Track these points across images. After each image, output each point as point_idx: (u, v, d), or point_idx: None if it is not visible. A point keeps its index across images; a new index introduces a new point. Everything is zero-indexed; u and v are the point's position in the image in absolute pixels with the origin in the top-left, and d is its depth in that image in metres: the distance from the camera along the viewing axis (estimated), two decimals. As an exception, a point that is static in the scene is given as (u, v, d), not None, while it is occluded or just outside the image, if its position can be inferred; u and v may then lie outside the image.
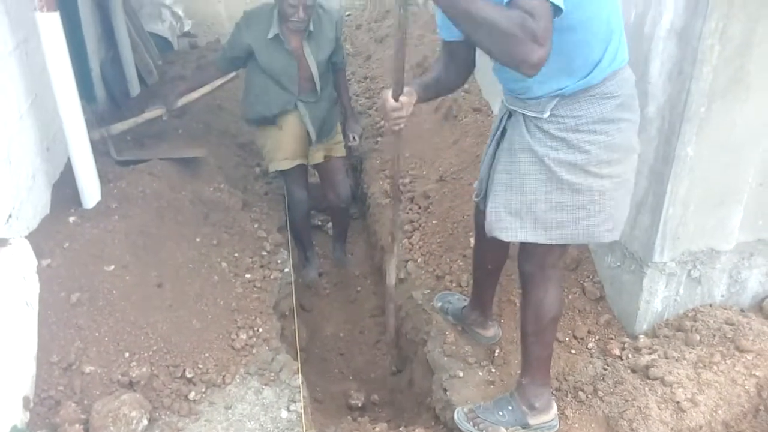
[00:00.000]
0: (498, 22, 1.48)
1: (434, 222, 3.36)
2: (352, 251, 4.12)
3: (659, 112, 2.24)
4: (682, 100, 2.11)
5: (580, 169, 1.87)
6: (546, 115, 1.87)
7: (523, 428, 2.20)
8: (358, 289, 3.78)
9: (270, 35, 3.04)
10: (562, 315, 2.63)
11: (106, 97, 4.47)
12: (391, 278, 2.77)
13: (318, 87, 3.20)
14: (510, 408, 2.22)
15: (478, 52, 1.93)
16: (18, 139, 2.52)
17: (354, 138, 3.58)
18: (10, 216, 2.32)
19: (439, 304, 2.82)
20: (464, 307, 2.69)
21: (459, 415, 2.28)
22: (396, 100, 2.05)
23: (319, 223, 4.35)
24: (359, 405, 2.84)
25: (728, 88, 2.09)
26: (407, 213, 3.51)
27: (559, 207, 1.92)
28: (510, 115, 2.03)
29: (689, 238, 2.34)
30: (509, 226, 1.97)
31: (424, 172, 3.80)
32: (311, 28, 3.06)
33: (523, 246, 2.08)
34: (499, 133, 2.09)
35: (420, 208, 3.53)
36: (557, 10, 1.51)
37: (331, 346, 3.35)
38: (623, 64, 1.87)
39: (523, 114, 1.93)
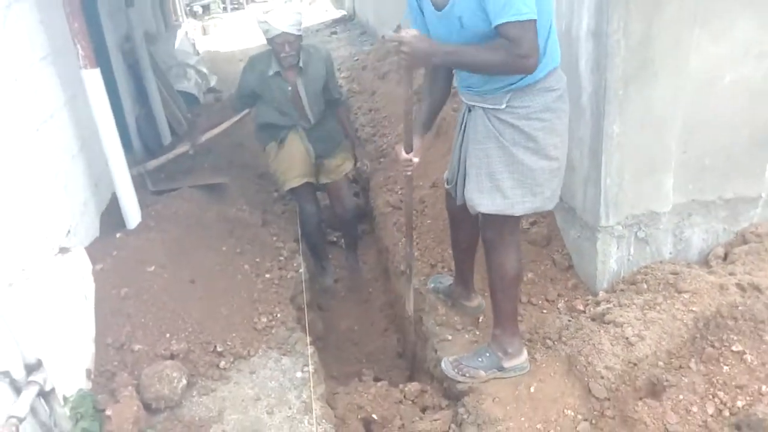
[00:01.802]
0: (491, 61, 2.08)
1: (429, 222, 3.82)
2: (364, 260, 4.58)
3: (589, 100, 2.69)
4: (602, 86, 2.56)
5: (533, 153, 2.30)
6: (503, 106, 2.28)
7: (499, 371, 2.59)
8: (370, 290, 4.24)
9: (271, 72, 3.61)
10: (536, 282, 3.06)
11: (142, 147, 5.11)
12: (410, 307, 3.07)
13: (310, 116, 3.72)
14: (487, 355, 2.62)
15: None
16: (72, 173, 3.09)
17: (366, 165, 4.14)
18: (68, 231, 2.86)
19: (432, 285, 3.25)
20: (451, 284, 3.11)
21: (446, 365, 2.69)
22: (407, 153, 2.53)
23: (335, 239, 4.84)
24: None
25: (638, 74, 2.53)
26: (406, 218, 3.98)
27: (520, 184, 2.34)
28: (470, 110, 2.45)
29: (629, 203, 2.74)
30: (483, 203, 2.39)
31: (420, 183, 4.27)
32: (301, 64, 3.61)
33: (484, 217, 2.49)
34: (462, 128, 2.54)
35: (417, 212, 3.98)
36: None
37: (346, 337, 3.79)
38: (558, 63, 2.31)
39: (483, 107, 2.35)
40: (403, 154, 2.55)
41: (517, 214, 2.39)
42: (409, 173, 2.63)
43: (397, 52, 2.18)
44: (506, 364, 2.58)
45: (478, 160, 2.39)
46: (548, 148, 2.31)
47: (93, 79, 3.09)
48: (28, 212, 2.49)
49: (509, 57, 2.02)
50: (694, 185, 2.76)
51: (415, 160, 2.56)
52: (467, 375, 2.61)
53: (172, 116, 5.69)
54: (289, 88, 3.64)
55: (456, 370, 2.64)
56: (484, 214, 2.44)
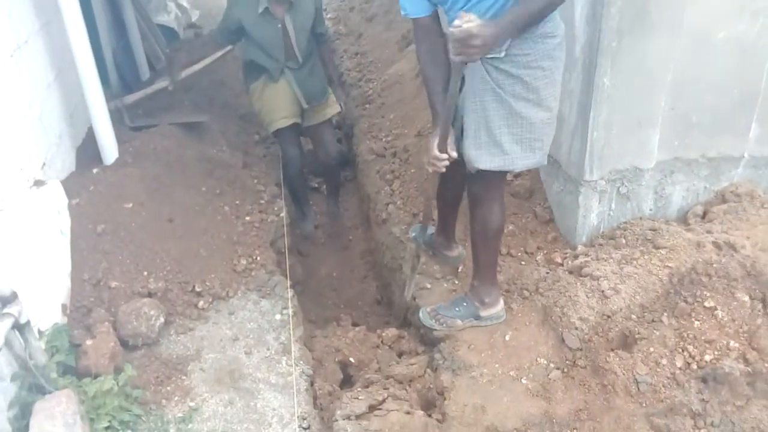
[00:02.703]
0: (543, 9, 2.03)
1: (412, 171, 3.79)
2: (346, 207, 4.56)
3: (582, 51, 2.65)
4: (596, 37, 2.52)
5: (534, 104, 2.22)
6: (503, 54, 2.17)
7: (476, 320, 2.63)
8: (350, 237, 4.24)
9: (260, 9, 3.48)
10: (516, 234, 3.07)
11: (119, 81, 4.95)
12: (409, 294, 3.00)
13: (298, 54, 3.62)
14: (465, 304, 2.64)
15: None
16: (47, 104, 2.98)
17: (341, 105, 4.05)
18: (44, 164, 2.78)
19: (413, 234, 3.23)
20: (433, 233, 3.11)
21: (423, 314, 2.71)
22: (441, 152, 2.27)
23: (316, 185, 4.80)
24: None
25: (634, 25, 2.48)
26: (390, 165, 3.95)
27: (519, 139, 2.27)
28: (466, 63, 2.29)
29: (614, 158, 2.74)
30: (482, 159, 2.31)
31: (405, 131, 4.22)
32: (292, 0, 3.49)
33: (475, 172, 2.39)
34: (461, 78, 2.34)
35: (401, 160, 3.95)
36: None
37: (325, 283, 3.80)
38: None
39: (481, 59, 2.20)
40: (436, 152, 2.27)
41: (518, 170, 2.37)
42: (436, 170, 2.34)
43: (466, 48, 1.91)
44: (483, 313, 2.61)
45: (476, 114, 2.30)
46: (548, 99, 2.24)
47: (69, 4, 2.95)
48: (1, 142, 2.41)
49: None
50: (679, 142, 2.76)
51: (452, 154, 2.28)
52: (444, 324, 2.64)
53: (150, 50, 5.49)
54: (279, 26, 3.52)
55: (434, 320, 2.66)
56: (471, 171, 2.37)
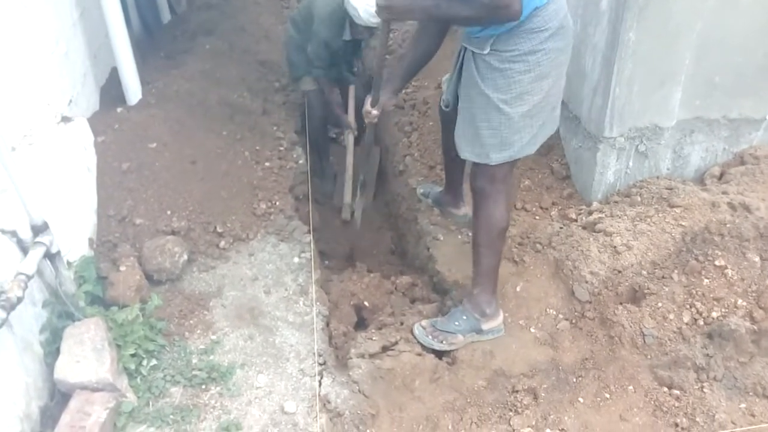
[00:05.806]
0: (468, 12, 2.00)
1: (431, 123, 3.80)
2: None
3: (609, 5, 2.62)
4: (624, -9, 2.49)
5: (515, 98, 2.16)
6: (486, 51, 2.14)
7: (477, 333, 2.46)
8: (367, 188, 4.27)
9: (346, 37, 3.74)
10: (532, 189, 3.10)
11: (141, 24, 4.95)
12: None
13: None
14: (464, 318, 2.45)
15: None
16: (72, 42, 3.00)
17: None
18: (70, 101, 2.83)
19: (422, 191, 3.25)
20: (441, 191, 3.12)
21: (418, 331, 2.49)
22: (372, 106, 2.72)
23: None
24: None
25: (663, -20, 2.45)
26: (409, 117, 3.96)
27: (497, 133, 2.22)
28: (465, 49, 2.28)
29: (635, 115, 2.74)
30: (463, 149, 2.33)
31: (426, 83, 4.22)
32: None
33: (475, 166, 2.33)
34: (459, 64, 2.37)
35: (419, 113, 3.96)
36: None
37: (341, 232, 3.86)
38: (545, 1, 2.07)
39: (472, 51, 2.21)
40: (368, 106, 2.73)
41: (492, 164, 2.27)
42: (371, 121, 2.84)
43: (385, 10, 2.18)
44: (485, 326, 2.46)
45: (464, 104, 2.31)
46: (533, 90, 2.17)
47: (94, -58, 2.95)
48: (30, 77, 2.45)
49: (484, 8, 1.97)
50: (701, 102, 2.75)
51: (375, 112, 2.73)
52: (445, 341, 2.44)
53: (172, -6, 5.47)
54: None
55: (431, 337, 2.45)
56: (474, 164, 2.34)
